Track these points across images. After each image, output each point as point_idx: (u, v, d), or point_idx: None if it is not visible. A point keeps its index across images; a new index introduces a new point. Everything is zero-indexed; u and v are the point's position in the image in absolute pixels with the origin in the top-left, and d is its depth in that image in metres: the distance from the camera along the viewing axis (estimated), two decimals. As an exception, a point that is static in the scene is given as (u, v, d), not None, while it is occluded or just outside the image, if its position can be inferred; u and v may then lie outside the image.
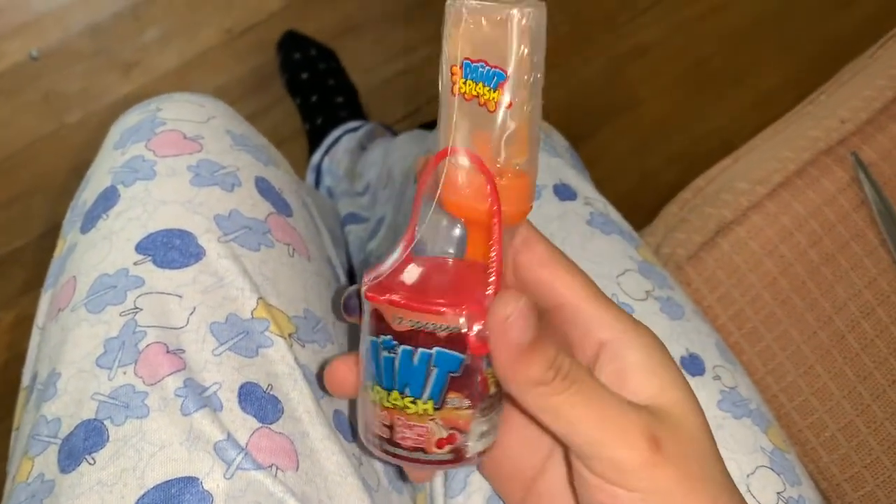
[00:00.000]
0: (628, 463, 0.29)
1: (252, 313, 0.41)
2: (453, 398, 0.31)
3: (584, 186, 0.54)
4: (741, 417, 0.43)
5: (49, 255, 0.47)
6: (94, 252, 0.42)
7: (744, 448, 0.42)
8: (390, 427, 0.32)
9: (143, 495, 0.34)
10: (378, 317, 0.31)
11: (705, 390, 0.44)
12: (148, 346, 0.38)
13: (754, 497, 0.40)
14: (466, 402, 0.31)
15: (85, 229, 0.44)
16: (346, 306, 0.34)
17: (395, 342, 0.31)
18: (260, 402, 0.38)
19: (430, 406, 0.31)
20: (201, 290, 0.41)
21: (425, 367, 0.31)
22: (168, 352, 0.38)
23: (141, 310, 0.39)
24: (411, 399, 0.31)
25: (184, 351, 0.39)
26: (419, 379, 0.31)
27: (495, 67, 0.30)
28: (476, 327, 0.30)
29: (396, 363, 0.31)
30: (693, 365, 0.45)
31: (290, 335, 0.42)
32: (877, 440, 0.57)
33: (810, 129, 0.65)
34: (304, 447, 0.38)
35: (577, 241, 0.50)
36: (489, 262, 0.31)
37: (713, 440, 0.32)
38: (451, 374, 0.31)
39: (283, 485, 0.36)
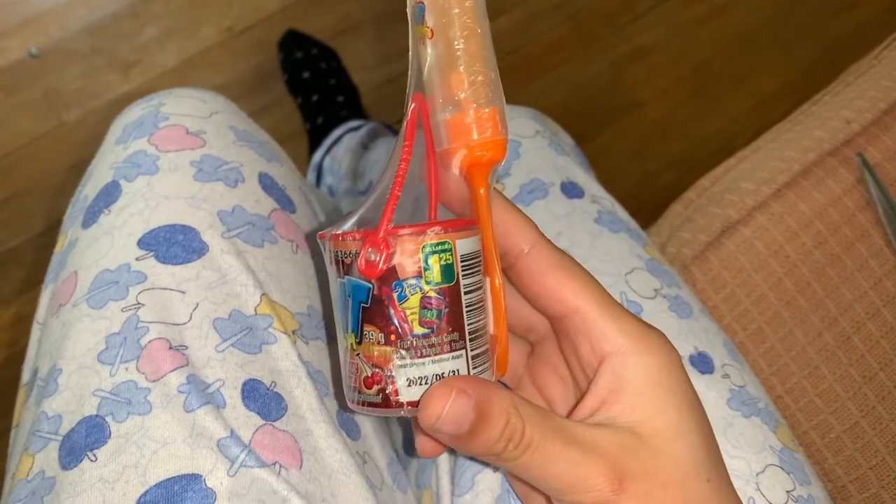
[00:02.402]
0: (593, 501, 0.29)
1: (255, 310, 0.41)
2: (369, 331, 0.30)
3: (591, 185, 0.54)
4: (750, 416, 0.43)
5: (48, 253, 0.47)
6: (96, 247, 0.42)
7: (753, 447, 0.42)
8: (344, 364, 0.32)
9: (146, 492, 0.34)
10: (343, 263, 0.31)
11: (714, 389, 0.44)
12: (150, 342, 0.38)
13: (764, 496, 0.40)
14: (381, 337, 0.30)
15: (86, 224, 0.44)
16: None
17: (337, 278, 0.31)
18: (263, 399, 0.38)
19: (352, 340, 0.31)
20: (204, 286, 0.40)
21: (344, 298, 0.31)
22: (171, 348, 0.38)
23: (143, 305, 0.39)
24: (344, 334, 0.31)
25: (186, 347, 0.38)
26: (345, 311, 0.31)
27: (418, 3, 0.31)
28: (367, 251, 0.30)
29: (334, 293, 0.31)
30: (702, 363, 0.45)
31: (293, 332, 0.41)
32: (882, 442, 0.56)
33: (815, 129, 0.65)
34: (307, 445, 0.38)
35: (585, 239, 0.49)
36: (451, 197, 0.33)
37: (705, 461, 0.32)
38: (362, 305, 0.30)
39: (286, 483, 0.36)
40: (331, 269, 0.31)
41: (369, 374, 0.31)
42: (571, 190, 0.53)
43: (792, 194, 0.61)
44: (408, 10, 0.32)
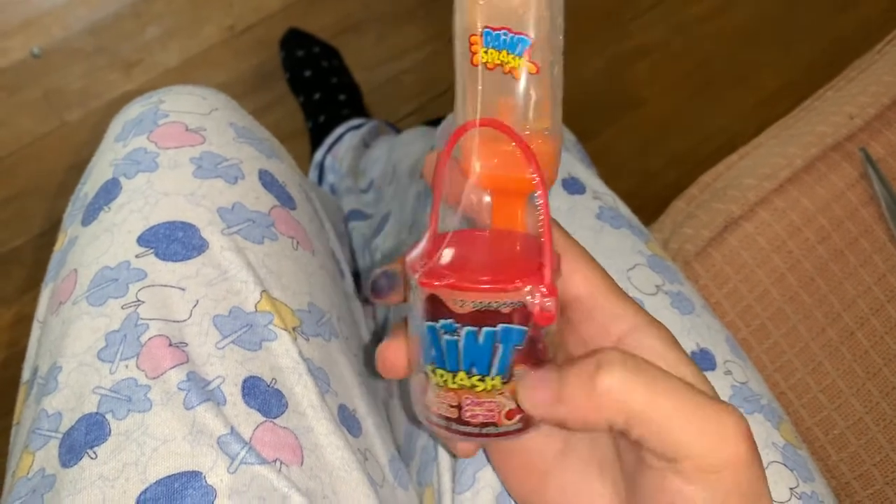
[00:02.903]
0: (724, 463, 0.27)
1: (256, 306, 0.40)
2: (519, 370, 0.31)
3: (592, 181, 0.54)
4: (753, 413, 0.43)
5: (50, 253, 0.47)
6: (96, 245, 0.42)
7: (756, 444, 0.41)
8: (458, 407, 0.31)
9: (146, 490, 0.34)
10: (435, 302, 0.30)
11: (717, 385, 0.43)
12: (150, 339, 0.38)
13: None
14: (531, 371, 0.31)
15: (86, 222, 0.44)
16: (374, 287, 0.34)
17: (457, 325, 0.30)
18: (264, 395, 0.38)
19: (497, 381, 0.31)
20: (204, 283, 0.40)
21: (491, 345, 0.30)
22: (171, 345, 0.38)
23: (143, 302, 0.39)
24: (479, 377, 0.31)
25: (186, 344, 0.38)
26: (485, 357, 0.31)
27: (518, 34, 0.30)
28: (539, 300, 0.30)
29: (461, 345, 0.30)
30: (704, 360, 0.45)
31: (294, 329, 0.41)
32: (886, 438, 0.56)
33: (818, 124, 0.64)
34: (308, 442, 0.38)
35: (587, 234, 0.49)
36: (519, 227, 0.32)
37: None
38: (517, 347, 0.30)
39: (287, 479, 0.35)
40: (456, 318, 0.30)
41: (514, 407, 0.31)
42: (573, 185, 0.53)
43: (794, 189, 0.61)
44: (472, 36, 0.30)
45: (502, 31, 0.30)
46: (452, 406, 0.31)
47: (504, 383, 0.31)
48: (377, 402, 0.48)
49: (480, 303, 0.30)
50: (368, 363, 0.49)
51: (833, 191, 0.60)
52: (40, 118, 1.19)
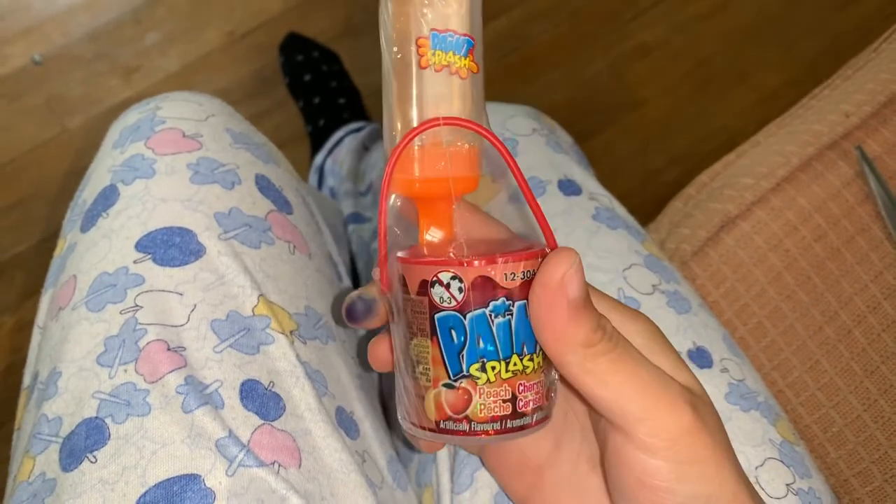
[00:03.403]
0: (673, 429, 0.29)
1: (253, 310, 0.41)
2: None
3: (589, 182, 0.54)
4: (749, 410, 0.43)
5: (50, 260, 0.47)
6: (94, 251, 0.42)
7: (752, 440, 0.42)
8: (511, 399, 0.30)
9: (145, 493, 0.34)
10: (484, 284, 0.29)
11: (713, 383, 0.44)
12: (148, 343, 0.38)
13: (763, 489, 0.40)
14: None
15: (85, 228, 0.44)
16: (350, 312, 0.34)
17: (509, 301, 0.30)
18: (261, 399, 0.38)
19: (540, 356, 0.31)
20: (202, 288, 0.40)
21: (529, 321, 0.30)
22: (169, 349, 0.38)
23: (141, 308, 0.39)
24: (529, 356, 0.31)
25: (185, 348, 0.38)
26: (531, 331, 0.30)
27: (464, 35, 0.31)
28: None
29: (513, 323, 0.30)
30: (701, 358, 0.45)
31: (291, 332, 0.41)
32: (884, 435, 0.56)
33: (814, 123, 0.64)
34: (306, 444, 0.38)
35: (583, 235, 0.49)
36: (449, 231, 0.33)
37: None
38: None
39: (285, 482, 0.36)
40: (507, 293, 0.30)
41: (551, 385, 0.32)
42: (569, 187, 0.53)
43: (791, 188, 0.61)
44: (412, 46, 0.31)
45: (448, 33, 0.31)
46: (505, 401, 0.30)
47: (542, 357, 0.31)
48: (375, 404, 0.48)
49: (527, 272, 0.30)
50: (362, 359, 0.49)
51: (829, 189, 0.60)
52: (42, 124, 1.19)
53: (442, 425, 0.31)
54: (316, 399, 0.40)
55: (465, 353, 0.30)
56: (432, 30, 0.31)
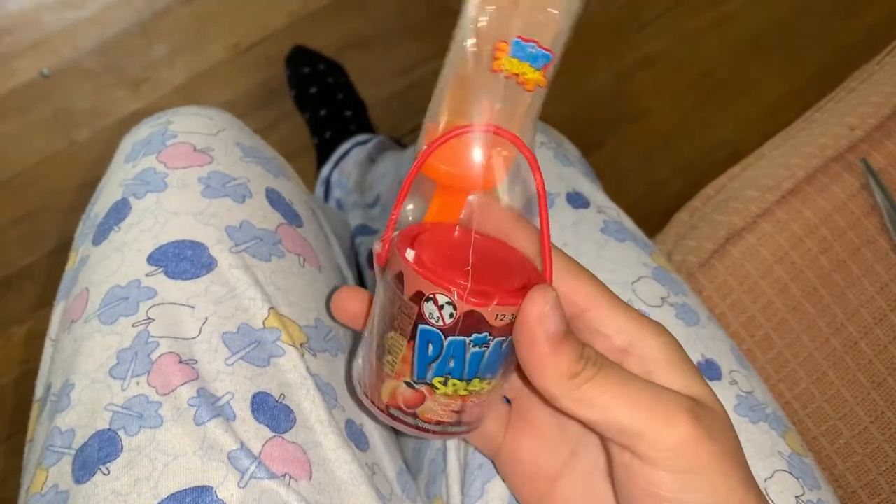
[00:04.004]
0: (671, 440, 0.29)
1: (264, 323, 0.41)
2: (508, 366, 0.33)
3: (597, 195, 0.54)
4: (758, 422, 0.43)
5: (61, 271, 0.48)
6: (107, 264, 0.43)
7: (761, 452, 0.42)
8: (459, 411, 0.32)
9: (158, 505, 0.34)
10: (474, 318, 0.30)
11: (722, 395, 0.44)
12: (161, 356, 0.38)
13: (773, 501, 0.40)
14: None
15: (97, 241, 0.44)
16: (371, 259, 0.35)
17: (490, 337, 0.31)
18: (272, 411, 0.38)
19: (499, 379, 0.33)
20: (213, 301, 0.41)
21: (510, 351, 0.32)
22: (181, 362, 0.38)
23: (153, 320, 0.39)
24: (487, 381, 0.32)
25: (196, 361, 0.39)
26: (500, 361, 0.32)
27: (545, 49, 0.30)
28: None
29: (486, 354, 0.31)
30: (709, 370, 0.45)
31: (301, 345, 0.42)
32: (892, 447, 0.56)
33: (819, 135, 0.65)
34: (316, 456, 0.38)
35: (592, 248, 0.50)
36: (455, 221, 0.33)
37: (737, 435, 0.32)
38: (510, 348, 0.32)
39: (296, 494, 0.36)
40: (492, 330, 0.31)
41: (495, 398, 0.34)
42: (577, 200, 0.53)
43: (797, 201, 0.61)
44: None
45: (531, 44, 0.30)
46: (454, 411, 0.32)
47: (498, 380, 0.33)
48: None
49: (515, 315, 0.31)
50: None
51: (835, 201, 0.61)
52: (50, 137, 1.20)
53: (391, 411, 0.33)
54: (326, 411, 0.40)
55: (434, 365, 0.31)
56: (517, 37, 0.30)
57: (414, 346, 0.31)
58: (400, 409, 0.33)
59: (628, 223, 0.53)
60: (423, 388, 0.32)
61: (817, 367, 0.59)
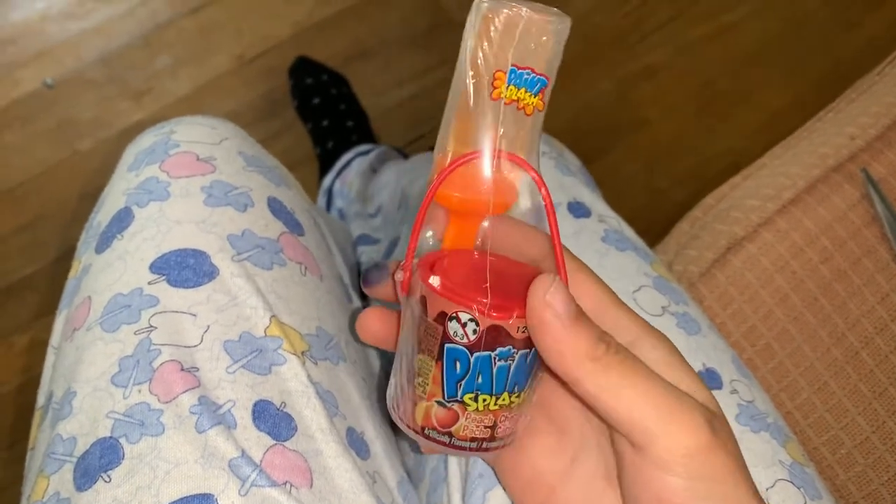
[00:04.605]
0: (690, 445, 0.29)
1: (265, 331, 0.41)
2: (535, 379, 0.34)
3: (597, 204, 0.54)
4: (759, 431, 0.43)
5: (63, 280, 0.48)
6: (109, 272, 0.43)
7: (763, 461, 0.42)
8: (492, 426, 0.33)
9: (158, 513, 0.34)
10: (497, 332, 0.31)
11: (723, 405, 0.44)
12: (162, 364, 0.38)
13: None
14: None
15: (100, 250, 0.45)
16: (365, 278, 0.36)
17: (514, 350, 0.32)
18: (273, 419, 0.39)
19: (529, 392, 0.33)
20: (215, 309, 0.41)
21: (535, 363, 0.33)
22: (182, 370, 0.38)
23: (155, 328, 0.40)
24: (517, 394, 0.33)
25: (198, 369, 0.39)
26: (526, 374, 0.33)
27: (541, 75, 0.32)
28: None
29: (512, 368, 0.32)
30: (710, 379, 0.45)
31: (302, 353, 0.42)
32: (894, 457, 0.56)
33: (819, 146, 0.65)
34: (317, 465, 0.38)
35: (593, 257, 0.50)
36: (470, 245, 0.35)
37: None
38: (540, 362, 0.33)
39: (297, 502, 0.36)
40: (515, 343, 0.32)
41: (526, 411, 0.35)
42: (578, 209, 0.53)
43: (797, 210, 0.61)
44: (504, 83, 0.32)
45: (526, 71, 0.32)
46: (488, 426, 0.33)
47: (527, 392, 0.33)
48: (385, 425, 0.48)
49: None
50: (373, 380, 0.49)
51: (835, 211, 0.61)
52: (53, 147, 1.20)
53: (426, 432, 0.34)
54: (327, 419, 0.40)
55: (463, 382, 0.32)
56: (513, 65, 0.32)
57: (442, 365, 0.32)
58: (435, 429, 0.33)
59: (629, 232, 0.54)
60: (455, 406, 0.33)
61: (818, 377, 0.59)
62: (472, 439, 0.33)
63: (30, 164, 1.20)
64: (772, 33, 1.40)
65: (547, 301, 0.29)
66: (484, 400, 0.32)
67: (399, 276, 0.34)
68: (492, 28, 0.31)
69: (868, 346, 0.58)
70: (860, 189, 0.62)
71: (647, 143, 1.33)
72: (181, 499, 0.35)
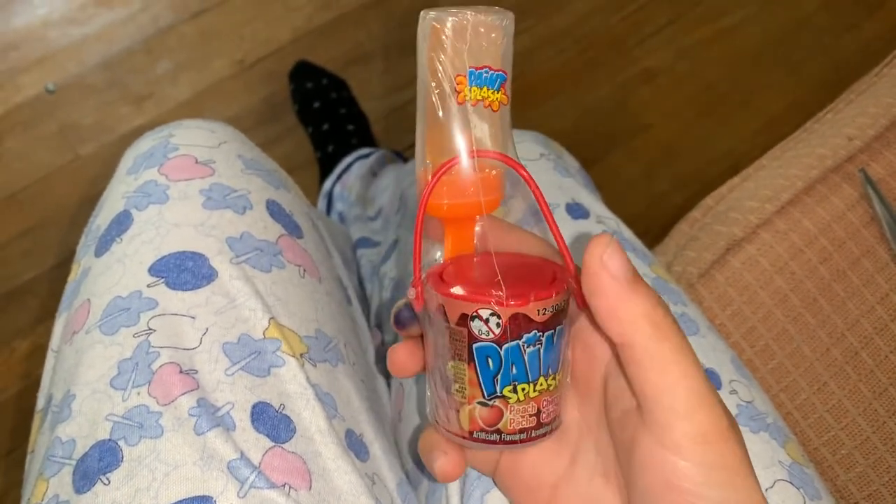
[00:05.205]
0: (709, 432, 0.29)
1: (264, 333, 0.41)
2: (566, 357, 0.34)
3: (596, 205, 0.54)
4: (759, 431, 0.43)
5: (64, 284, 0.48)
6: (108, 275, 0.43)
7: (762, 462, 0.42)
8: (537, 413, 0.33)
9: (157, 514, 0.34)
10: (519, 320, 0.32)
11: None
12: (161, 366, 0.38)
13: None
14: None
15: (99, 253, 0.45)
16: (397, 318, 0.36)
17: (539, 333, 0.32)
18: (272, 421, 0.39)
19: (560, 374, 0.34)
20: (214, 311, 0.41)
21: (561, 341, 0.33)
22: (181, 372, 0.38)
23: (154, 331, 0.40)
24: (553, 376, 0.33)
25: (197, 371, 0.39)
26: (557, 354, 0.33)
27: (498, 70, 0.33)
28: (575, 286, 0.33)
29: (542, 351, 0.32)
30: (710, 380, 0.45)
31: (301, 355, 0.42)
32: (894, 457, 0.56)
33: (818, 146, 0.65)
34: (316, 466, 0.38)
35: None
36: (470, 247, 0.35)
37: None
38: (566, 338, 0.34)
39: (296, 503, 0.36)
40: (539, 326, 0.32)
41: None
42: (576, 211, 0.53)
43: (796, 211, 0.61)
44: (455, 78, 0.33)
45: (484, 70, 0.33)
46: (532, 415, 0.33)
47: (562, 373, 0.34)
48: (384, 427, 0.48)
49: (555, 305, 0.32)
50: (372, 381, 0.49)
51: (834, 212, 0.61)
52: (55, 152, 1.21)
53: (475, 435, 0.34)
54: (326, 421, 0.40)
55: (499, 377, 0.33)
56: (470, 67, 0.32)
57: (475, 365, 0.33)
58: (483, 430, 0.34)
59: (627, 233, 0.54)
60: (497, 403, 0.33)
61: (818, 378, 0.59)
62: (521, 430, 0.33)
63: (31, 169, 1.20)
64: (771, 36, 1.40)
65: (604, 262, 0.29)
66: (523, 389, 0.33)
67: (411, 293, 0.34)
68: (442, 37, 0.32)
69: (868, 347, 0.58)
70: (859, 189, 0.62)
71: (647, 146, 1.34)
72: (180, 501, 0.35)
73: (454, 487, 0.43)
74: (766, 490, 0.41)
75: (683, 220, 0.68)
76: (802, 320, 0.59)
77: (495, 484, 0.40)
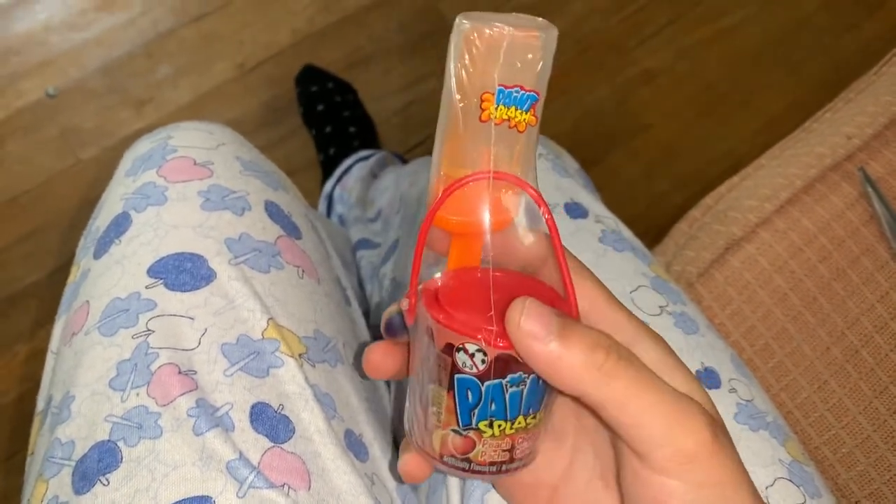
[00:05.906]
0: (692, 451, 0.28)
1: (263, 334, 0.41)
2: (550, 398, 0.33)
3: (595, 205, 0.54)
4: (758, 430, 0.43)
5: (64, 289, 0.48)
6: (107, 277, 0.43)
7: (762, 460, 0.42)
8: (510, 449, 0.33)
9: (157, 515, 0.34)
10: (505, 362, 0.31)
11: (722, 404, 0.44)
12: (160, 367, 0.39)
13: None
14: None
15: (98, 255, 0.45)
16: (388, 326, 0.35)
17: (525, 375, 0.31)
18: (271, 421, 0.39)
19: (542, 413, 0.33)
20: (212, 312, 0.41)
21: (546, 384, 0.32)
22: (180, 373, 0.39)
23: (153, 332, 0.40)
24: (532, 415, 0.32)
25: (196, 372, 0.39)
26: (539, 395, 0.32)
27: (530, 91, 0.31)
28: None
29: (524, 392, 0.31)
30: (709, 379, 0.45)
31: (300, 355, 0.42)
32: (895, 456, 0.56)
33: (816, 146, 0.65)
34: (315, 467, 0.38)
35: (590, 258, 0.50)
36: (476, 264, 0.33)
37: None
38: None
39: None
40: (525, 369, 0.31)
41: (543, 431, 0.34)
42: (575, 210, 0.53)
43: (795, 210, 0.61)
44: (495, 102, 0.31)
45: (515, 89, 0.30)
46: (505, 450, 0.32)
47: (543, 412, 0.33)
48: (384, 427, 0.48)
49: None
50: (371, 382, 0.49)
51: (833, 210, 0.61)
52: (56, 156, 1.21)
53: (445, 459, 0.33)
54: (325, 422, 0.40)
55: (476, 410, 0.32)
56: (500, 85, 0.30)
57: (454, 395, 0.32)
58: (453, 456, 0.33)
59: (626, 233, 0.54)
60: (472, 434, 0.32)
61: (818, 376, 0.59)
62: (492, 463, 0.33)
63: (32, 173, 1.20)
64: (771, 36, 1.40)
65: (523, 330, 0.28)
66: (499, 426, 0.32)
67: (404, 304, 0.33)
68: (474, 49, 0.30)
69: (868, 345, 0.58)
70: (858, 188, 0.62)
71: (647, 146, 1.34)
72: (179, 501, 0.35)
73: (454, 487, 0.43)
74: (767, 488, 0.41)
75: (683, 220, 0.68)
76: (802, 319, 0.59)
77: (493, 487, 0.40)
